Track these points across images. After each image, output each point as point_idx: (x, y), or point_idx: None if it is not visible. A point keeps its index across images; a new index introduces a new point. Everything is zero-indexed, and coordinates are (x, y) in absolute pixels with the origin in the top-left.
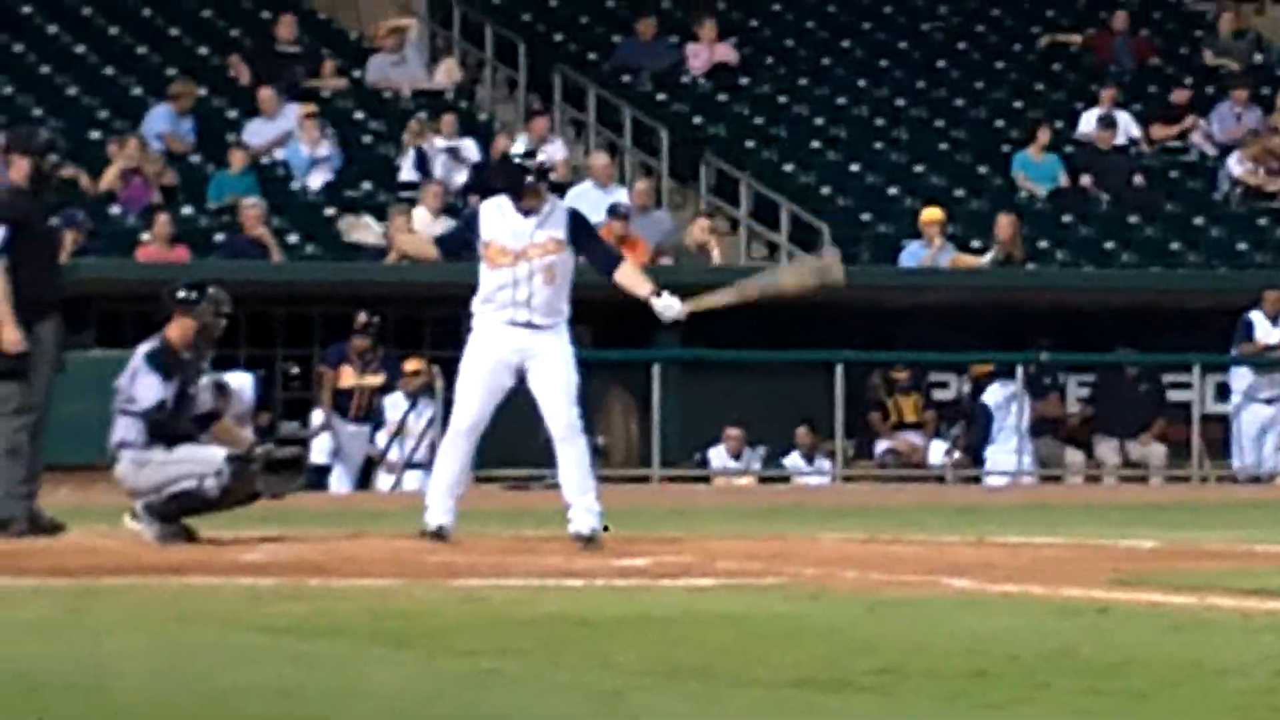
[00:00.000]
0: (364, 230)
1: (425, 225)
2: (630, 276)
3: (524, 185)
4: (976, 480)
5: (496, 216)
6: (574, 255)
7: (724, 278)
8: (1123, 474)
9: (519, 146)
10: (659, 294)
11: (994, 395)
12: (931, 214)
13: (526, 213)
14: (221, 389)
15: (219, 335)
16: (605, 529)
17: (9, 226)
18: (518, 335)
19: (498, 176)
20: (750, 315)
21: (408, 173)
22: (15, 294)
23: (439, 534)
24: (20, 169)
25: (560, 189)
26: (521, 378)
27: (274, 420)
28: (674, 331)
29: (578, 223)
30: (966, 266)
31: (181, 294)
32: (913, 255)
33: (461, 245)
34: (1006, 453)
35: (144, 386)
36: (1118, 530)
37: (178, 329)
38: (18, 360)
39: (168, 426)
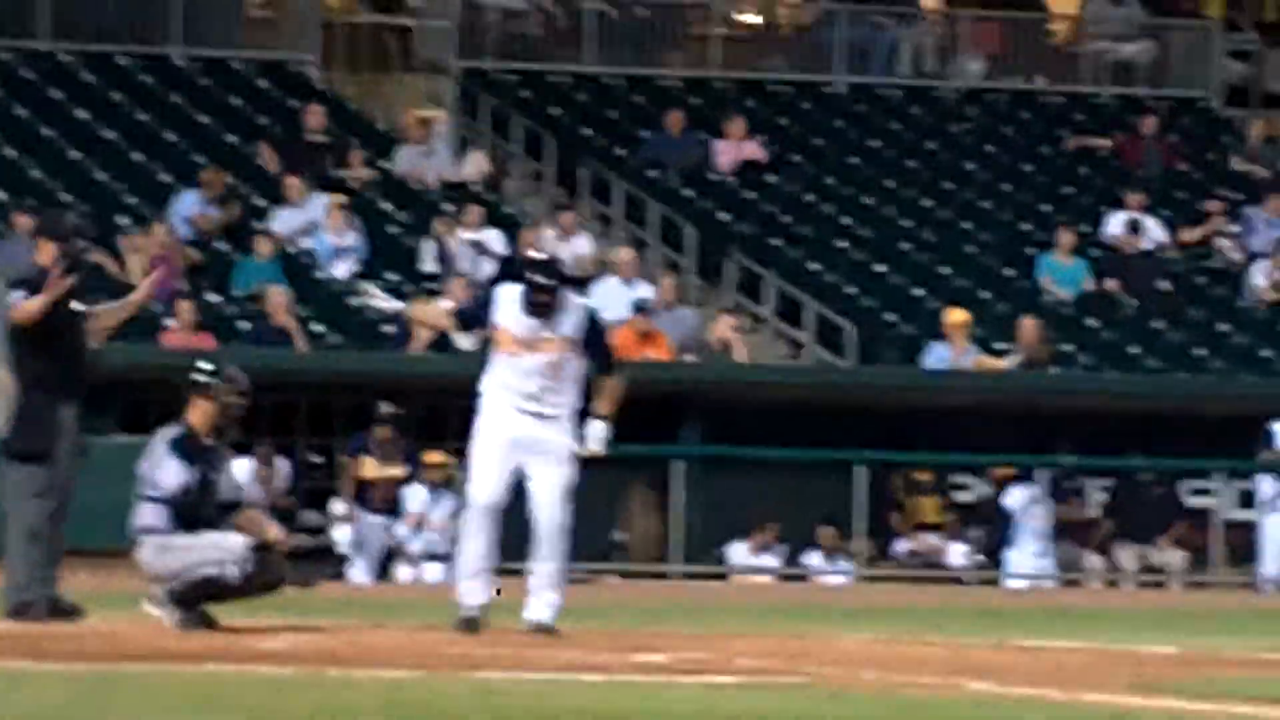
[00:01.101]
0: (379, 298)
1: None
2: (604, 390)
3: (535, 293)
4: (996, 583)
5: (510, 304)
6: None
7: (748, 375)
8: (1142, 579)
9: (537, 254)
10: (601, 420)
11: (1015, 498)
12: (957, 316)
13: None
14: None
15: (240, 416)
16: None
17: (32, 292)
18: (524, 422)
19: (519, 272)
20: (772, 412)
21: (430, 264)
22: (40, 376)
23: (473, 620)
24: (47, 253)
25: (584, 283)
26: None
27: (295, 509)
28: (696, 426)
29: (591, 324)
30: (990, 369)
31: (198, 376)
32: (937, 357)
33: (476, 322)
34: (1027, 556)
35: (166, 471)
36: (1137, 636)
37: (198, 413)
38: (40, 443)
39: (191, 512)
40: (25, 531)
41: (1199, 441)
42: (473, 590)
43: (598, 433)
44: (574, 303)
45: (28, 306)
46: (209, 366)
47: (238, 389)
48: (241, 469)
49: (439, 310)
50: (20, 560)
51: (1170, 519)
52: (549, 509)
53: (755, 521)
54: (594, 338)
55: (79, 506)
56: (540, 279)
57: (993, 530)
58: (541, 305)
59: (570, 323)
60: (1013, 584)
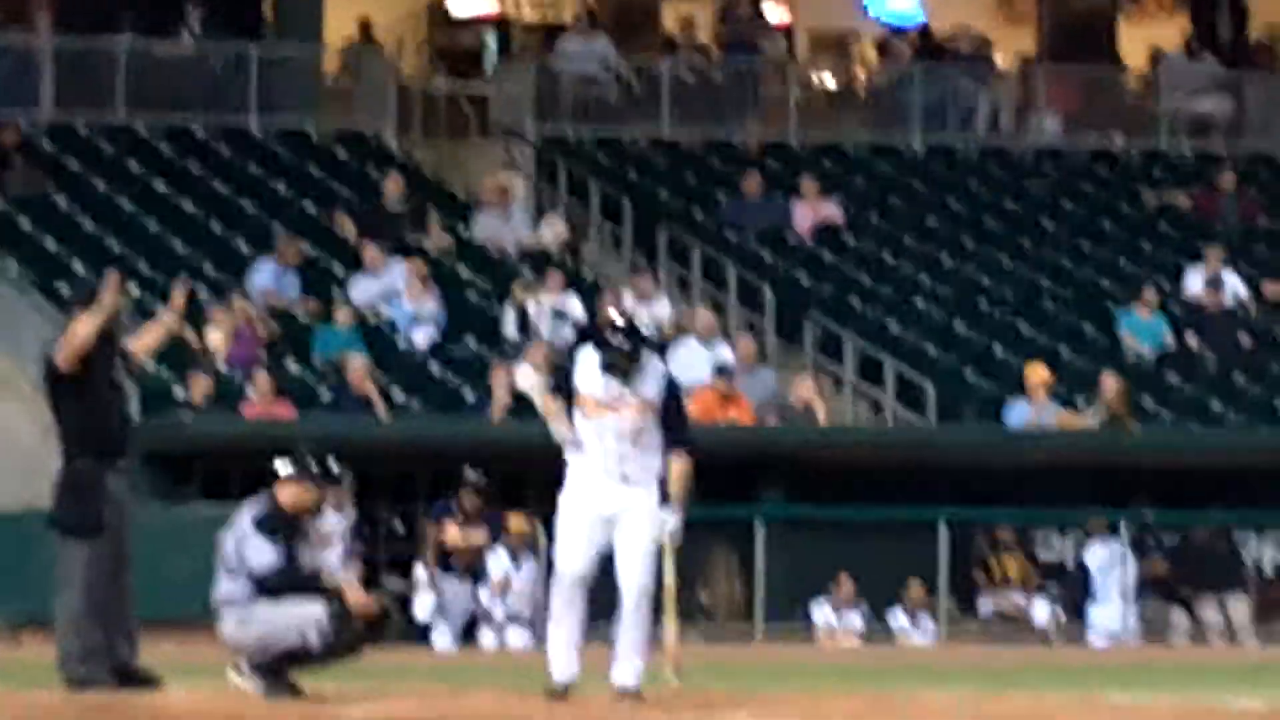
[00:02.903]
0: (525, 378)
1: (530, 385)
2: (671, 473)
3: (612, 353)
4: (1080, 640)
5: (589, 367)
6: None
7: (829, 436)
8: (1227, 634)
9: (617, 318)
10: (670, 504)
11: (1095, 555)
12: (1038, 373)
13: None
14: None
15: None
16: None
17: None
18: (610, 488)
19: (596, 335)
20: (854, 472)
21: (510, 330)
22: (82, 439)
23: (563, 691)
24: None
25: (663, 347)
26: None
27: (378, 575)
28: (778, 488)
29: (671, 387)
30: (1071, 426)
31: (315, 467)
32: (1018, 414)
33: (570, 391)
34: (1110, 612)
35: (256, 550)
36: (1223, 691)
37: (291, 494)
38: (89, 514)
39: (279, 589)
40: (81, 607)
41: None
42: (561, 664)
43: (670, 523)
44: (655, 366)
45: (77, 329)
46: (333, 467)
47: (334, 488)
48: (334, 524)
49: (537, 382)
50: (74, 637)
51: (1239, 574)
52: (633, 571)
53: (836, 580)
54: (670, 403)
55: (161, 575)
56: (618, 339)
57: (1075, 587)
58: (619, 366)
59: (651, 385)
60: (1097, 641)
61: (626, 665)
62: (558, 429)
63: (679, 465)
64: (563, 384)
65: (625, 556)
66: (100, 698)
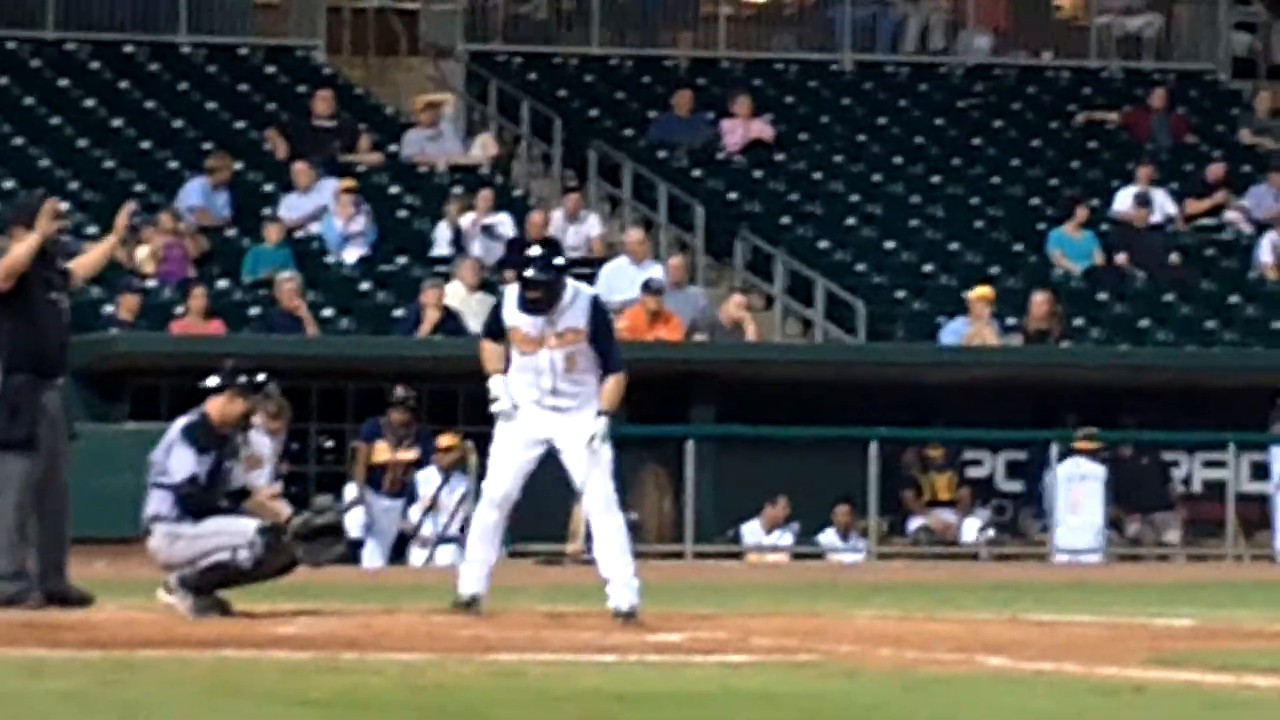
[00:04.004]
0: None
1: (460, 301)
2: (604, 389)
3: (528, 289)
4: (1010, 559)
5: (514, 303)
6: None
7: (759, 354)
8: (1156, 553)
9: (534, 250)
10: (598, 417)
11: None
12: (981, 292)
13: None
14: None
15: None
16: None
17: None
18: (546, 417)
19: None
20: (784, 391)
21: (442, 247)
22: (19, 363)
23: (471, 603)
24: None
25: (594, 264)
26: (552, 453)
27: (307, 494)
28: (709, 406)
29: (597, 317)
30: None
31: (242, 379)
32: (953, 332)
33: (499, 332)
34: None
35: (178, 460)
36: (1153, 609)
37: (220, 407)
38: (20, 429)
39: (200, 500)
40: (12, 523)
41: (1211, 414)
42: (468, 581)
43: (598, 430)
44: (580, 295)
45: (14, 250)
46: (257, 376)
47: (266, 407)
48: (263, 445)
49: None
50: (4, 554)
51: (1171, 493)
52: (594, 487)
53: (767, 499)
54: (599, 330)
55: (91, 494)
56: (532, 273)
57: (1005, 506)
58: (536, 301)
59: (576, 314)
60: (1026, 559)
61: (620, 588)
62: (494, 389)
63: (612, 380)
64: (492, 323)
65: (577, 472)
66: (28, 615)
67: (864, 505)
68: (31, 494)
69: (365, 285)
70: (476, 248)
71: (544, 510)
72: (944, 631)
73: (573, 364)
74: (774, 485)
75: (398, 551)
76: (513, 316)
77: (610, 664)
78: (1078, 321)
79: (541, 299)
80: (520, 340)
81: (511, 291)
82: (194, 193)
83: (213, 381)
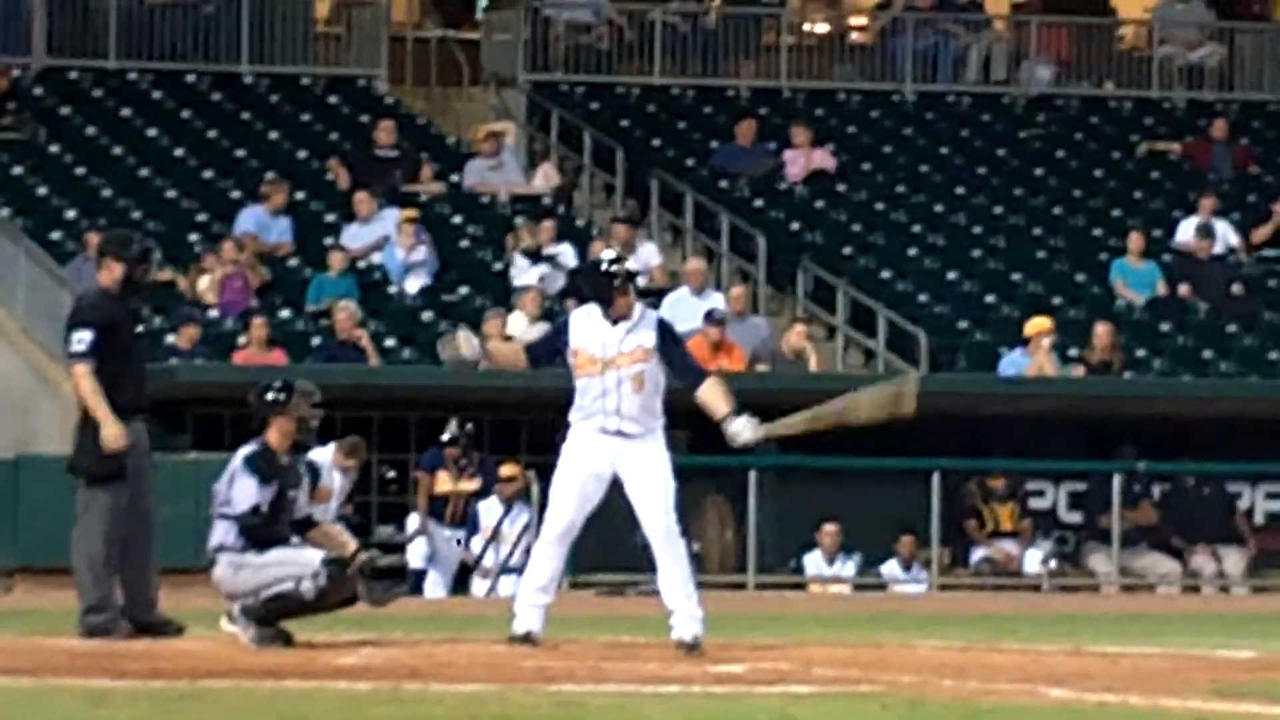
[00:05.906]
0: (463, 346)
1: (522, 331)
2: (711, 394)
3: (611, 291)
4: (1072, 589)
5: (585, 324)
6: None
7: (820, 385)
8: (1219, 584)
9: (607, 253)
10: (734, 416)
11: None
12: (1039, 324)
13: (615, 320)
14: (312, 470)
15: (317, 426)
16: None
17: (96, 330)
18: (610, 444)
19: (585, 283)
20: None
21: (520, 279)
22: (109, 396)
23: (527, 639)
24: (112, 273)
25: (655, 295)
26: (616, 485)
27: (370, 525)
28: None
29: (665, 332)
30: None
31: (270, 395)
32: (1013, 363)
33: (551, 353)
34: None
35: (240, 490)
36: (1214, 640)
37: (276, 431)
38: (109, 463)
39: (263, 531)
40: (101, 555)
41: (1274, 446)
42: (525, 617)
43: (740, 428)
44: (646, 312)
45: (82, 385)
46: (279, 384)
47: (311, 400)
48: (334, 481)
49: (517, 350)
50: (92, 585)
51: (1235, 525)
52: (656, 517)
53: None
54: (671, 346)
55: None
56: (616, 272)
57: (1066, 537)
58: (620, 301)
59: (644, 332)
60: (1088, 590)
61: (685, 619)
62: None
63: (711, 381)
64: (543, 343)
65: (644, 506)
66: (95, 645)
67: (926, 536)
68: (119, 526)
69: (427, 315)
70: (537, 278)
71: (607, 541)
72: (1006, 662)
73: (640, 384)
74: (836, 516)
75: (460, 582)
76: (580, 337)
77: (673, 695)
78: (1140, 353)
79: (625, 305)
80: (585, 363)
81: (578, 314)
82: (249, 219)
83: (271, 395)
